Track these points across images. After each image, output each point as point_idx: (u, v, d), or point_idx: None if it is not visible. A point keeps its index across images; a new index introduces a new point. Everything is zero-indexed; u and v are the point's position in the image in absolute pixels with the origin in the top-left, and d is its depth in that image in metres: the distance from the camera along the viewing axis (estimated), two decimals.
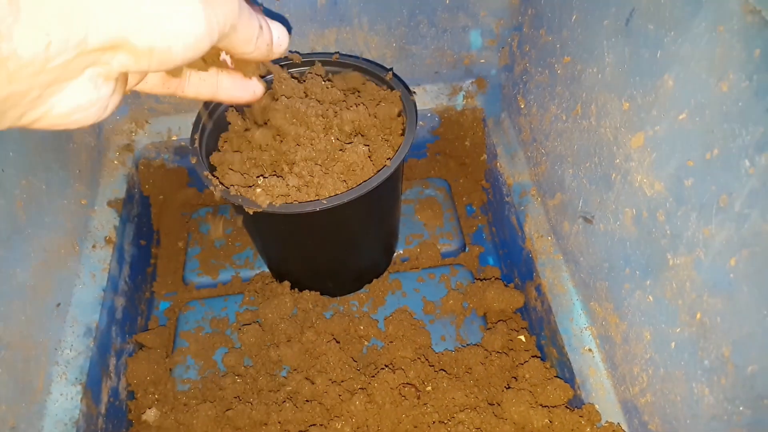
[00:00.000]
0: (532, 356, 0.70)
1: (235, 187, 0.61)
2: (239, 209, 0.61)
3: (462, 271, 0.83)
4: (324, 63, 0.72)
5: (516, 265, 0.80)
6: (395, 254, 0.85)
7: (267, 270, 0.83)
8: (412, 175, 0.95)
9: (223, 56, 0.37)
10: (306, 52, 0.73)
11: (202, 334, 0.77)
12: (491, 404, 0.66)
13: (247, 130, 0.67)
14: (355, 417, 0.65)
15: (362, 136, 0.66)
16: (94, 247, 0.73)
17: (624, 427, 0.59)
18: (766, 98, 0.36)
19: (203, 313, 0.79)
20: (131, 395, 0.71)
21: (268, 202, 0.58)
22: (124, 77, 0.29)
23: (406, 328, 0.73)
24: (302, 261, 0.76)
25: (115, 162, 0.82)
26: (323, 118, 0.65)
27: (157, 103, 0.85)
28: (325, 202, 0.58)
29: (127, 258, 0.78)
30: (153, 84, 0.35)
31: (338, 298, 0.80)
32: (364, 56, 0.81)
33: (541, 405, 0.63)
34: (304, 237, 0.69)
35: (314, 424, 0.64)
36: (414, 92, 0.82)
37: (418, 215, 0.89)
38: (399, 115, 0.69)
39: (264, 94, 0.42)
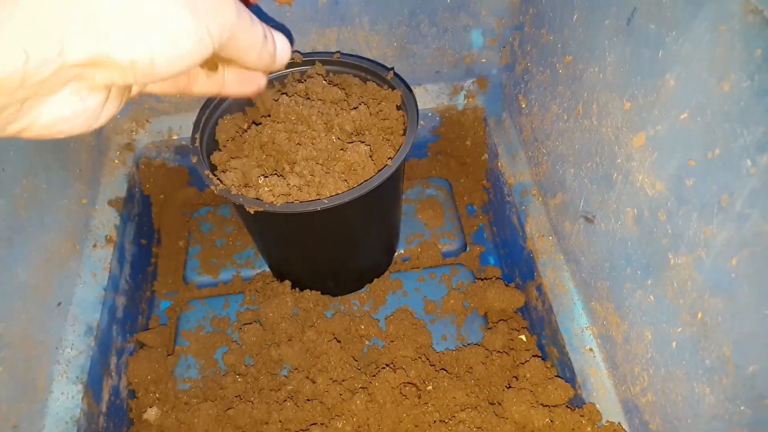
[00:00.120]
0: (533, 356, 0.70)
1: (236, 186, 0.61)
2: (240, 209, 0.61)
3: (463, 270, 0.83)
4: (325, 62, 0.72)
5: (517, 265, 0.80)
6: (396, 254, 0.85)
7: (268, 269, 0.83)
8: (413, 174, 0.95)
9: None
10: (307, 52, 0.73)
11: (202, 333, 0.77)
12: (492, 404, 0.66)
13: (248, 128, 0.68)
14: (356, 416, 0.65)
15: (363, 135, 0.66)
16: (94, 246, 0.73)
17: (625, 426, 0.59)
18: (767, 98, 0.36)
19: (204, 312, 0.80)
20: (132, 394, 0.71)
21: (269, 201, 0.59)
22: (116, 88, 0.28)
23: (407, 327, 0.73)
24: (303, 260, 0.76)
25: (116, 161, 0.82)
26: (324, 117, 0.65)
27: (157, 103, 0.85)
28: (326, 201, 0.58)
29: (128, 257, 0.78)
30: (162, 85, 0.35)
31: (339, 297, 0.80)
32: (365, 56, 0.81)
33: (541, 404, 0.63)
34: (305, 236, 0.69)
35: (315, 423, 0.65)
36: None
37: (419, 215, 0.89)
38: (400, 114, 0.69)
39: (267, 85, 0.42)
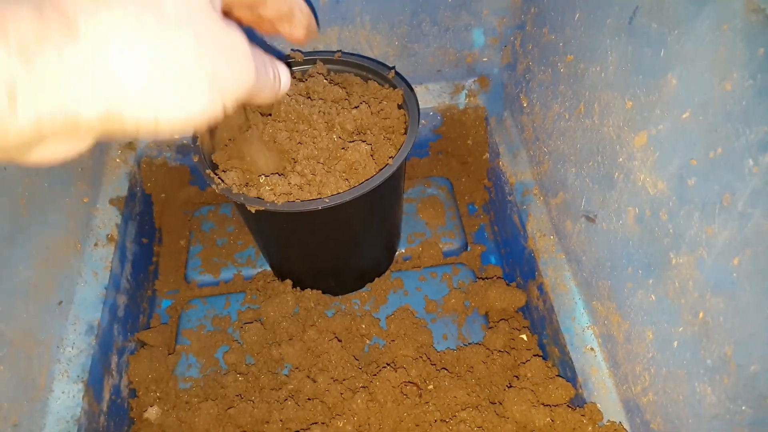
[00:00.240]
0: (534, 355, 0.70)
1: (237, 185, 0.61)
2: (241, 208, 0.61)
3: (464, 270, 0.83)
4: (326, 61, 0.72)
5: (518, 264, 0.80)
6: (397, 253, 0.85)
7: (269, 268, 0.83)
8: (414, 173, 0.95)
9: None
10: (308, 51, 0.73)
11: (203, 332, 0.77)
12: (493, 403, 0.66)
13: (249, 127, 0.67)
14: (357, 415, 0.65)
15: (364, 134, 0.66)
16: (96, 245, 0.73)
17: (626, 426, 0.59)
18: None
19: (205, 311, 0.80)
20: (133, 393, 0.71)
21: (270, 200, 0.58)
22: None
23: (408, 326, 0.73)
24: (304, 259, 0.76)
25: (117, 160, 0.82)
26: (325, 116, 0.65)
27: None
28: (327, 200, 0.58)
29: (129, 256, 0.78)
30: None
31: (340, 296, 0.80)
32: (366, 55, 0.81)
33: (542, 404, 0.63)
34: (306, 235, 0.69)
35: (316, 423, 0.65)
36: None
37: (420, 214, 0.89)
38: (401, 113, 0.69)
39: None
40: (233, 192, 0.60)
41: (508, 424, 0.62)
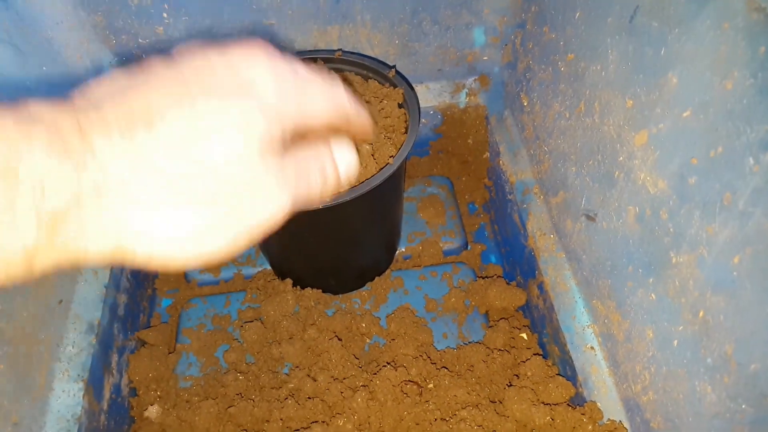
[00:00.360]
0: (534, 354, 0.70)
1: None
2: None
3: (464, 268, 0.83)
4: (326, 60, 0.72)
5: (518, 263, 0.80)
6: (397, 252, 0.85)
7: (269, 267, 0.83)
8: (414, 172, 0.95)
9: None
10: (308, 50, 0.73)
11: (204, 331, 0.77)
12: (493, 402, 0.66)
13: None
14: (357, 414, 0.65)
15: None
16: None
17: (626, 425, 0.59)
18: None
19: (205, 310, 0.80)
20: (133, 392, 0.71)
21: None
22: None
23: (408, 325, 0.73)
24: (304, 259, 0.76)
25: None
26: None
27: None
28: (327, 199, 0.58)
29: None
30: None
31: (340, 295, 0.80)
32: (367, 54, 0.80)
33: (542, 403, 0.63)
34: (306, 235, 0.69)
35: (316, 421, 0.65)
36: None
37: (421, 213, 0.89)
38: (402, 112, 0.69)
39: None
40: None
41: (508, 422, 0.62)
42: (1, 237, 0.22)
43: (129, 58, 0.75)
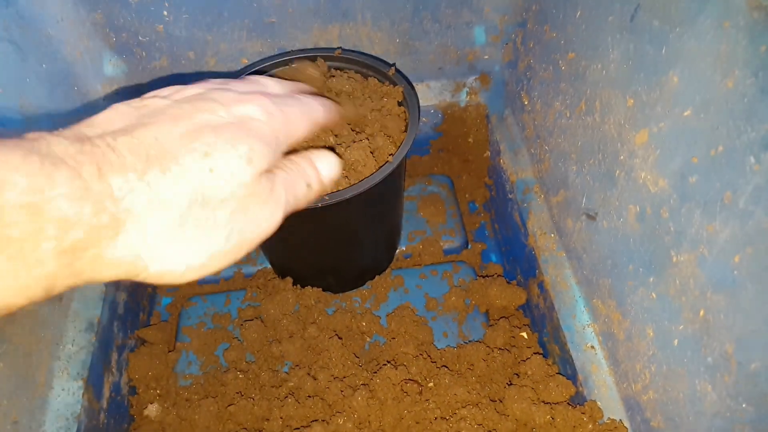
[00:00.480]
0: (534, 353, 0.70)
1: None
2: None
3: (464, 267, 0.83)
4: (327, 58, 0.72)
5: (518, 262, 0.80)
6: (397, 251, 0.85)
7: (269, 266, 0.83)
8: (414, 171, 0.95)
9: None
10: (309, 48, 0.73)
11: (204, 330, 0.77)
12: (493, 401, 0.66)
13: None
14: (357, 413, 0.65)
15: (364, 132, 0.66)
16: None
17: (626, 424, 0.59)
18: None
19: (205, 308, 0.80)
20: (133, 390, 0.71)
21: None
22: None
23: (408, 324, 0.73)
24: (305, 257, 0.76)
25: None
26: None
27: None
28: (327, 198, 0.58)
29: None
30: None
31: (340, 294, 0.80)
32: (367, 52, 0.80)
33: (543, 402, 0.63)
34: (306, 233, 0.69)
35: (316, 420, 0.65)
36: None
37: (421, 212, 0.89)
38: (402, 111, 0.69)
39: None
40: None
41: (508, 421, 0.62)
42: (24, 266, 0.25)
43: (129, 56, 0.75)
